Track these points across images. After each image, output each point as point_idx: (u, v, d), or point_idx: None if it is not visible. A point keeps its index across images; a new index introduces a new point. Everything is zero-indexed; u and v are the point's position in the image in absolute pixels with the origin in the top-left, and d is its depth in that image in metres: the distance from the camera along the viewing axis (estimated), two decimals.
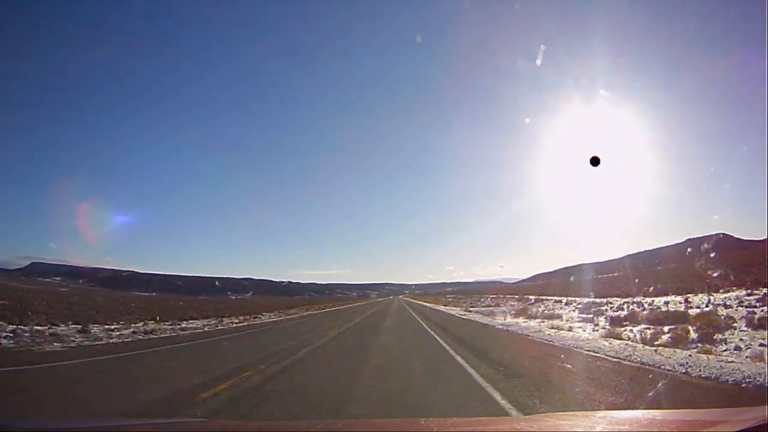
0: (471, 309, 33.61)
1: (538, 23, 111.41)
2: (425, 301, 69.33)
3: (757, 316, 13.13)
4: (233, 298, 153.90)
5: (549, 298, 40.23)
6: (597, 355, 8.39)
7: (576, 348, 9.46)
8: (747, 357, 7.75)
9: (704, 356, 7.76)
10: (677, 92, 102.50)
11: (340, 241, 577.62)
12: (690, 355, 7.81)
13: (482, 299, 55.86)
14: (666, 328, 12.15)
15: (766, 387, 5.21)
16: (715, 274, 27.09)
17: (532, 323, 17.99)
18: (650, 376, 6.31)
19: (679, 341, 9.92)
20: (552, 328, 14.90)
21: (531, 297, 44.67)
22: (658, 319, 14.92)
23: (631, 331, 12.37)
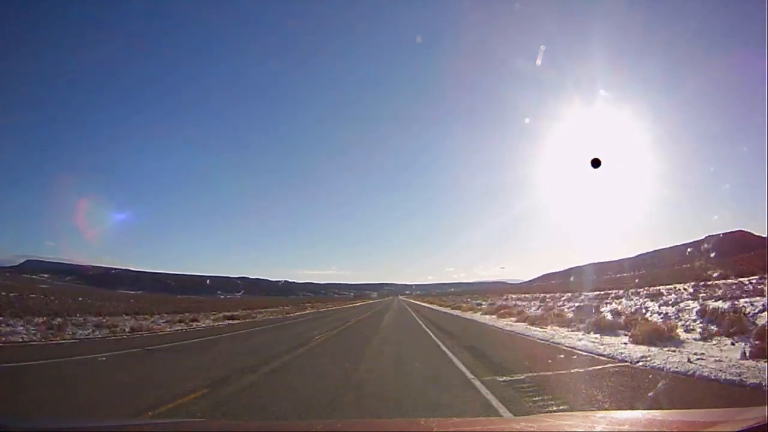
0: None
1: (538, 23, 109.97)
2: (433, 303, 55.71)
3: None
4: (222, 297, 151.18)
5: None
6: None
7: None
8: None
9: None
10: (677, 93, 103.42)
11: (340, 241, 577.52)
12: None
13: (488, 299, 52.44)
14: None
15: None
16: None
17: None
18: None
19: None
20: None
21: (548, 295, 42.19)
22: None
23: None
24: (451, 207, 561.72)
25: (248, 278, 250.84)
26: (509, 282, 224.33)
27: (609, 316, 15.21)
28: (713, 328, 10.20)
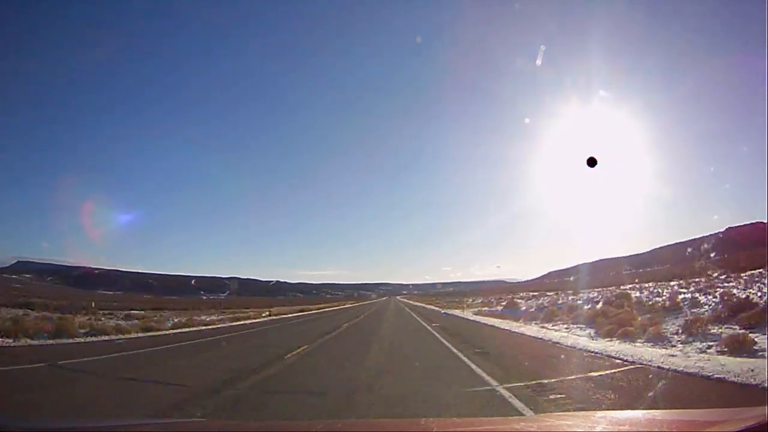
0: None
1: (538, 23, 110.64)
2: (450, 308, 42.41)
3: None
4: (204, 298, 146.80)
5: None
6: None
7: None
8: None
9: None
10: (677, 92, 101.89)
11: (337, 242, 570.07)
12: None
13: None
14: None
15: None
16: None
17: None
18: None
19: None
20: None
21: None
22: None
23: None
24: (448, 207, 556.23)
25: (239, 278, 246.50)
26: (508, 281, 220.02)
27: None
28: None
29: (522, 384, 6.35)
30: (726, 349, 8.50)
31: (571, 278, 73.10)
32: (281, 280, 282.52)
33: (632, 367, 7.63)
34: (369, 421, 3.54)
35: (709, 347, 9.09)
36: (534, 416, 3.99)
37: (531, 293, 52.62)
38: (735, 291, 16.20)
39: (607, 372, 7.27)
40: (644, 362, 7.90)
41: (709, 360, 7.66)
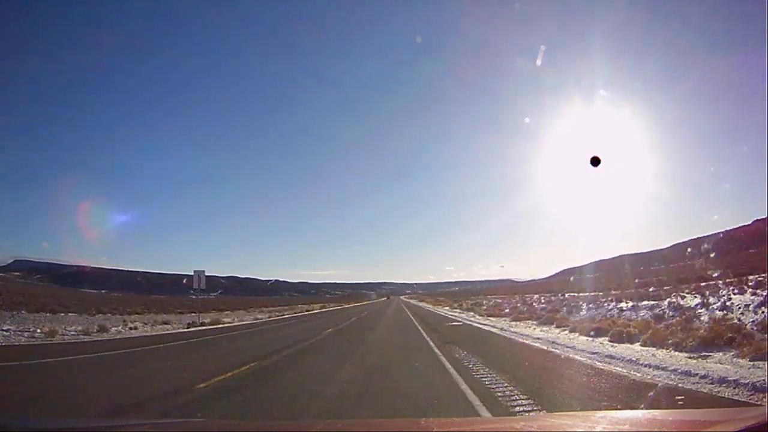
0: None
1: (538, 23, 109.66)
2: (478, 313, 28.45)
3: None
4: (194, 297, 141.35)
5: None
6: None
7: None
8: None
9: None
10: (677, 92, 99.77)
11: (339, 241, 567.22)
12: None
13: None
14: None
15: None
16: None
17: None
18: None
19: None
20: None
21: None
22: None
23: None
24: (451, 206, 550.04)
25: (237, 277, 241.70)
26: (514, 280, 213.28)
27: None
28: None
29: None
30: None
31: (588, 276, 67.59)
32: (282, 280, 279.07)
33: None
34: (369, 421, 3.44)
35: None
36: (534, 416, 3.92)
37: (544, 294, 48.90)
38: None
39: None
40: None
41: None
